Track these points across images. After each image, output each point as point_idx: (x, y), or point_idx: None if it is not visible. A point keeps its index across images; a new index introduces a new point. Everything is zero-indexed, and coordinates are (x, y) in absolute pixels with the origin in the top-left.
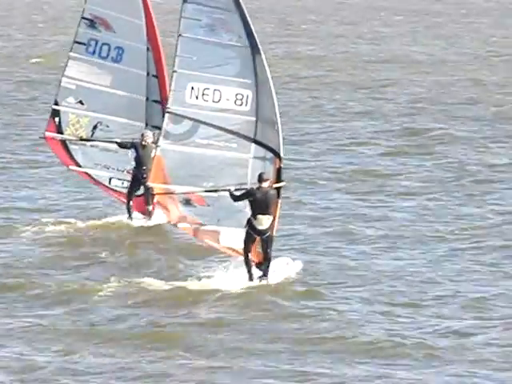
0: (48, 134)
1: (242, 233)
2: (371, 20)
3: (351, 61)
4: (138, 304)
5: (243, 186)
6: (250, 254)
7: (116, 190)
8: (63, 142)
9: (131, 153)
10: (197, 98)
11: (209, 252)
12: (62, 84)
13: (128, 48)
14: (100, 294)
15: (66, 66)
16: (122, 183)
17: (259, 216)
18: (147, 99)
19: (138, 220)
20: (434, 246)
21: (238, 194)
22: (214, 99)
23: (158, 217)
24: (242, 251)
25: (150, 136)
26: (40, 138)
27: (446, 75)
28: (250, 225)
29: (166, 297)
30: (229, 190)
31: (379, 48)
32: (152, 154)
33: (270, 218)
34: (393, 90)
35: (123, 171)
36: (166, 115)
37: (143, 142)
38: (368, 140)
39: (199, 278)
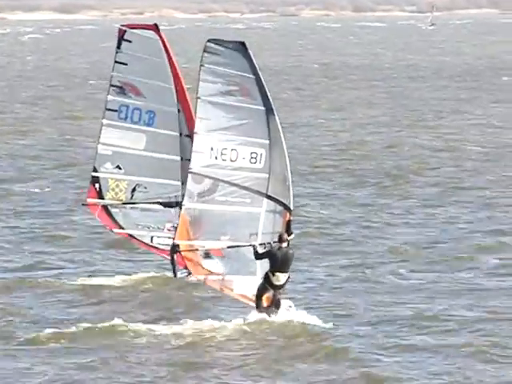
0: (90, 200)
1: (253, 280)
2: None
3: None
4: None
5: (265, 243)
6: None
7: (158, 248)
8: (105, 207)
9: (174, 211)
10: (216, 158)
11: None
12: (98, 151)
13: (159, 111)
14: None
15: (101, 133)
16: (163, 240)
17: (278, 273)
18: (182, 158)
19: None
20: None
21: (260, 251)
22: (232, 158)
23: None
24: (254, 298)
25: None
26: (83, 204)
27: None
28: (267, 280)
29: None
30: (253, 246)
31: None
32: None
33: (287, 275)
34: None
35: (163, 229)
36: (189, 175)
37: None
38: None
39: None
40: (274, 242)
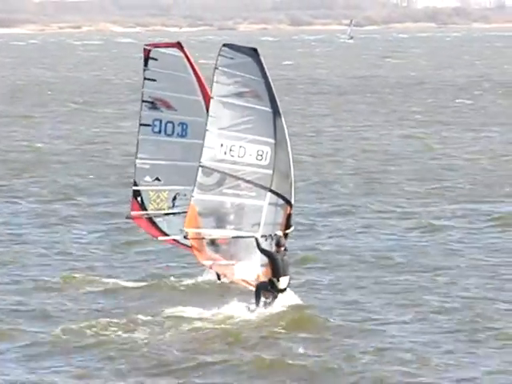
0: (133, 213)
1: (253, 266)
2: None
3: None
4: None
5: (267, 235)
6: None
7: None
8: (149, 217)
9: None
10: (225, 153)
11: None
12: (137, 165)
13: (190, 122)
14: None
15: (137, 148)
16: None
17: (281, 278)
18: None
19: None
20: None
21: (262, 245)
22: (239, 155)
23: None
24: (253, 283)
25: None
26: (127, 218)
27: None
28: (273, 286)
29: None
30: (255, 238)
31: None
32: None
33: (288, 277)
34: None
35: None
36: (199, 169)
37: None
38: None
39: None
40: (274, 236)
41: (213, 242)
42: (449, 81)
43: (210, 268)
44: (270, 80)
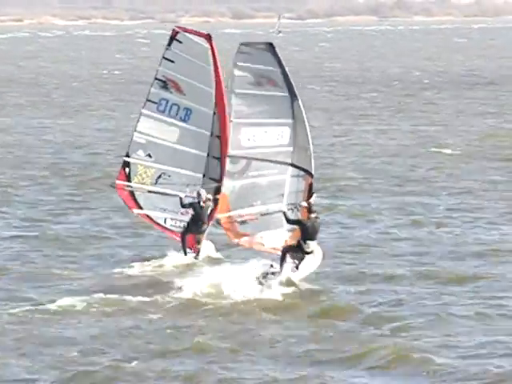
0: (118, 182)
1: (281, 232)
2: None
3: None
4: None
5: (292, 205)
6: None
7: (171, 230)
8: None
9: (190, 211)
10: (249, 140)
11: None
12: (133, 138)
13: (196, 110)
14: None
15: (138, 121)
16: (175, 223)
17: (309, 241)
18: (208, 155)
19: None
20: None
21: (290, 218)
22: (262, 139)
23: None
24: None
25: (205, 194)
26: (111, 185)
27: None
28: (300, 247)
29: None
30: (284, 213)
31: None
32: (208, 211)
33: (316, 242)
34: None
35: (177, 213)
36: (228, 159)
37: (202, 203)
38: None
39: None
40: (300, 207)
41: (244, 222)
42: (340, 74)
43: (238, 244)
44: (286, 68)
